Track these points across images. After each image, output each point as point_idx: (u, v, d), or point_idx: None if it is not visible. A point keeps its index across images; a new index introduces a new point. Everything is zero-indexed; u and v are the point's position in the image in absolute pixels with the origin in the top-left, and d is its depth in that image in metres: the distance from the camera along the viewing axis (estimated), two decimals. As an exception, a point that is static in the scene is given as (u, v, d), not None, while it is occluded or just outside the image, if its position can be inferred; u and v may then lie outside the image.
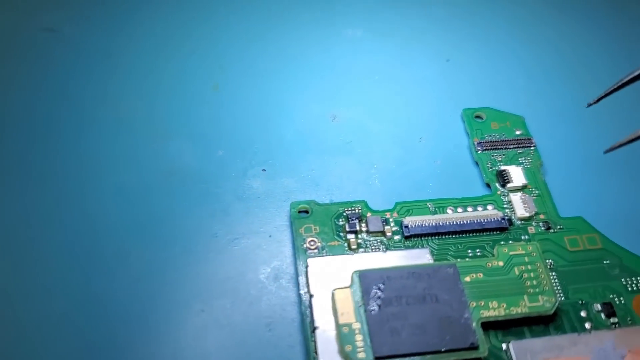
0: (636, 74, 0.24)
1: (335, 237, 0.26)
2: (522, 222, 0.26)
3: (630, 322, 0.24)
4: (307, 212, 0.26)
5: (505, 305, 0.23)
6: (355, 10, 0.36)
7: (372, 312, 0.22)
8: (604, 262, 0.25)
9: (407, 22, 0.35)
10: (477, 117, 0.30)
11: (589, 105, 0.25)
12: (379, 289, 0.23)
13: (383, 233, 0.26)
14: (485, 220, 0.26)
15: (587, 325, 0.23)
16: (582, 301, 0.24)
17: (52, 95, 0.31)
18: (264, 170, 0.29)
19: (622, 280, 0.25)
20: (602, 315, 0.24)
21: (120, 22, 0.34)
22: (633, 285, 0.25)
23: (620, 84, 0.24)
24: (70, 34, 0.34)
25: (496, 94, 0.32)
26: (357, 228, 0.26)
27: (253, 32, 0.34)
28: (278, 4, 0.36)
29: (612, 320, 0.24)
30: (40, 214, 0.27)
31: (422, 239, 0.26)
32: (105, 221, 0.27)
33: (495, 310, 0.23)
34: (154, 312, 0.24)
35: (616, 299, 0.24)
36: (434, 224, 0.26)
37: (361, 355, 0.21)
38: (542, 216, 0.26)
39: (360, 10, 0.36)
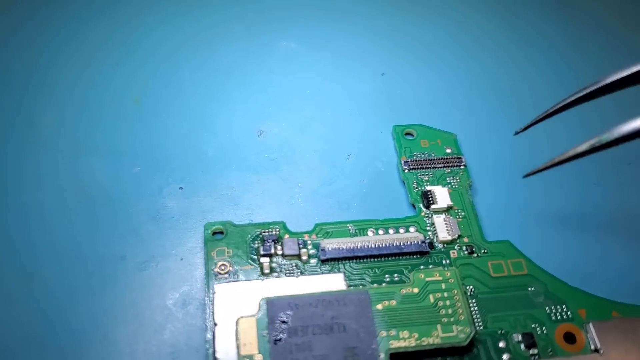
0: (563, 104, 0.23)
1: (249, 261, 0.25)
2: (444, 245, 0.25)
3: (550, 353, 0.23)
4: (222, 233, 0.25)
5: (416, 335, 0.22)
6: (290, 21, 0.35)
7: (276, 342, 0.22)
8: (529, 289, 0.24)
9: (343, 35, 0.34)
10: (408, 134, 0.29)
11: (517, 133, 0.25)
12: (286, 317, 0.22)
13: (299, 256, 0.25)
14: (405, 244, 0.25)
15: (505, 357, 0.22)
16: (501, 331, 0.23)
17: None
18: (181, 188, 0.28)
19: (547, 308, 0.24)
20: (522, 346, 0.23)
21: (41, 32, 0.33)
22: (557, 314, 0.24)
23: (547, 113, 0.24)
24: None
25: (432, 110, 0.31)
26: (272, 251, 0.25)
27: (180, 44, 0.33)
28: (209, 15, 0.35)
29: (531, 351, 0.23)
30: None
31: (339, 262, 0.25)
32: (8, 241, 0.25)
33: (405, 340, 0.22)
34: (56, 339, 0.23)
35: (538, 329, 0.23)
36: (351, 247, 0.25)
37: (258, 390, 0.20)
38: (465, 239, 0.25)
39: (296, 22, 0.35)
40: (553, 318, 0.24)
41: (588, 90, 0.23)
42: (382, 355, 0.21)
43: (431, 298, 0.23)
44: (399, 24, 0.35)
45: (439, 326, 0.22)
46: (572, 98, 0.23)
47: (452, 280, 0.23)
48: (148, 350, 0.23)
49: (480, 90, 0.32)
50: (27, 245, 0.25)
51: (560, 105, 0.24)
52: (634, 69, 0.22)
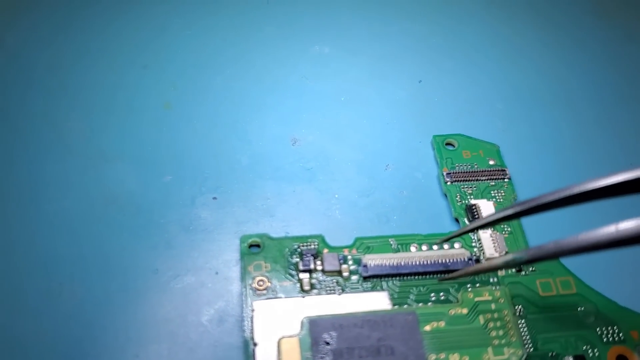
0: (495, 218, 0.21)
1: (287, 276, 0.24)
2: (491, 263, 0.25)
3: (604, 376, 0.22)
4: (258, 246, 0.25)
5: (467, 359, 0.21)
6: (324, 25, 0.34)
7: (321, 365, 0.21)
8: (579, 309, 0.24)
9: (378, 40, 0.33)
10: (448, 144, 0.29)
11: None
12: (330, 338, 0.22)
13: (339, 273, 0.24)
14: (451, 261, 0.24)
15: (557, 380, 0.22)
16: (552, 353, 0.23)
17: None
18: (214, 198, 0.27)
19: (597, 329, 0.23)
20: (574, 369, 0.22)
21: (68, 35, 0.32)
22: (609, 335, 0.23)
23: (480, 224, 0.22)
24: (13, 44, 0.32)
25: (471, 119, 0.30)
26: (312, 266, 0.24)
27: (211, 47, 0.32)
28: (240, 18, 0.34)
29: (584, 374, 0.22)
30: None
31: (382, 280, 0.24)
32: (38, 252, 0.25)
33: (456, 364, 0.21)
34: (84, 356, 0.22)
35: (590, 351, 0.23)
36: (395, 263, 0.24)
37: (305, 416, 0.20)
38: (513, 256, 0.25)
39: (330, 26, 0.34)
40: (605, 340, 0.23)
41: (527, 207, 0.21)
42: (433, 379, 0.21)
43: (481, 319, 0.22)
44: (435, 29, 0.34)
45: (489, 349, 0.22)
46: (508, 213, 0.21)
47: (502, 300, 0.23)
48: (182, 369, 0.22)
49: (520, 99, 0.31)
50: (54, 257, 0.25)
51: (494, 218, 0.21)
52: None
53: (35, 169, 0.27)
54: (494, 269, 0.22)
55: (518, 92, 0.32)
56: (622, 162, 0.28)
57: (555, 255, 0.19)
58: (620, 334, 0.23)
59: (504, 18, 0.35)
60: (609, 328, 0.23)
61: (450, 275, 0.24)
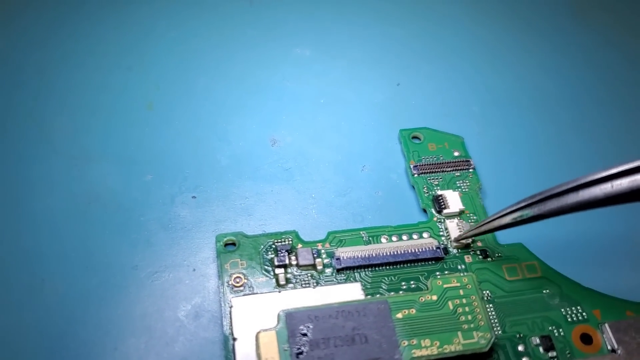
0: (498, 225, 0.21)
1: (263, 272, 0.22)
2: (459, 250, 0.23)
3: (569, 355, 0.21)
4: (234, 244, 0.23)
5: (438, 344, 0.20)
6: (305, 29, 0.32)
7: (298, 356, 0.20)
8: (544, 291, 0.22)
9: (358, 43, 0.31)
10: (415, 137, 0.27)
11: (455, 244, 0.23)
12: (307, 330, 0.20)
13: (314, 266, 0.23)
14: (420, 250, 0.23)
15: (525, 361, 0.21)
16: (519, 334, 0.21)
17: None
18: (194, 197, 0.25)
19: (562, 310, 0.22)
20: (541, 349, 0.21)
21: (55, 38, 0.30)
22: (573, 315, 0.22)
23: (485, 230, 0.22)
24: (1, 46, 0.30)
25: (447, 121, 0.28)
26: (287, 262, 0.23)
27: (194, 50, 0.30)
28: (223, 21, 0.32)
29: (550, 354, 0.21)
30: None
31: (355, 271, 0.22)
32: (21, 248, 0.23)
33: (427, 349, 0.20)
34: (65, 349, 0.21)
35: (555, 331, 0.21)
36: (366, 255, 0.23)
37: (281, 407, 0.18)
38: (479, 243, 0.24)
39: (311, 29, 0.32)
40: (569, 320, 0.22)
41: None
42: (405, 365, 0.20)
43: (450, 305, 0.21)
44: (414, 33, 0.32)
45: (459, 333, 0.20)
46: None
47: (470, 286, 0.21)
48: (160, 363, 0.21)
49: (496, 101, 0.30)
50: (37, 252, 0.23)
51: (498, 225, 0.21)
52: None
53: (20, 167, 0.25)
54: (502, 228, 0.21)
55: (495, 95, 0.30)
56: (595, 162, 0.27)
57: (558, 212, 0.19)
58: (584, 314, 0.22)
59: (483, 22, 0.33)
60: (573, 308, 0.22)
61: (464, 234, 0.23)
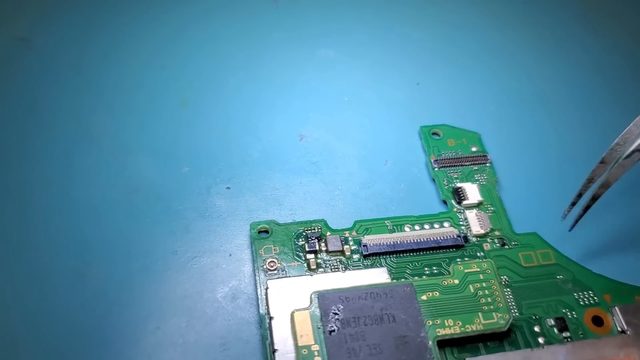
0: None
1: (295, 257, 0.24)
2: (478, 239, 0.25)
3: (582, 335, 0.22)
4: (267, 232, 0.25)
5: (460, 323, 0.21)
6: (329, 31, 0.33)
7: (332, 333, 0.21)
8: (557, 277, 0.24)
9: (380, 45, 0.33)
10: (434, 133, 0.29)
11: (564, 216, 0.25)
12: (338, 309, 0.21)
13: (342, 252, 0.24)
14: (442, 238, 0.24)
15: (541, 340, 0.22)
16: (535, 316, 0.23)
17: (19, 105, 0.28)
18: (228, 188, 0.27)
19: (575, 294, 0.23)
20: (555, 330, 0.22)
21: (92, 36, 0.32)
22: (585, 299, 0.23)
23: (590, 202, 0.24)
24: (42, 44, 0.31)
25: (464, 119, 0.29)
26: (317, 248, 0.24)
27: (224, 51, 0.32)
28: (251, 23, 0.33)
29: (564, 334, 0.22)
30: (1, 226, 0.24)
31: (381, 257, 0.24)
32: (67, 235, 0.24)
33: (450, 328, 0.21)
34: (109, 329, 0.22)
35: (568, 314, 0.23)
36: (391, 242, 0.24)
37: (318, 378, 0.20)
38: (497, 232, 0.25)
39: (335, 31, 0.33)
40: (581, 303, 0.23)
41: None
42: (430, 342, 0.21)
43: (471, 288, 0.22)
44: (433, 36, 0.34)
45: (480, 314, 0.21)
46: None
47: (489, 271, 0.23)
48: (199, 341, 0.22)
49: (510, 101, 0.31)
50: (81, 240, 0.24)
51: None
52: None
53: (63, 161, 0.27)
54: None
55: (509, 95, 0.31)
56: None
57: None
58: (595, 298, 0.23)
59: (498, 26, 0.35)
60: (585, 293, 0.23)
61: (579, 215, 0.24)
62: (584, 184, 0.24)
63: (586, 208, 0.24)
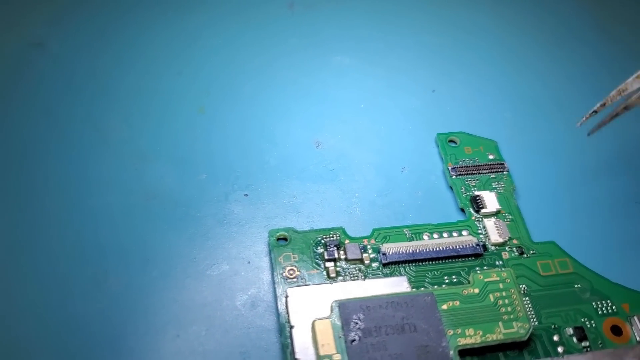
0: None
1: (314, 265, 0.24)
2: (496, 247, 0.25)
3: (601, 345, 0.22)
4: (285, 239, 0.25)
5: (481, 333, 0.21)
6: (344, 37, 0.33)
7: (353, 343, 0.21)
8: (576, 286, 0.24)
9: (395, 52, 0.33)
10: (451, 141, 0.29)
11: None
12: (359, 319, 0.21)
13: (361, 261, 0.24)
14: (461, 247, 0.24)
15: (560, 350, 0.22)
16: (554, 325, 0.23)
17: (36, 111, 0.28)
18: (246, 195, 0.27)
19: (593, 303, 0.23)
20: (574, 339, 0.22)
21: (107, 41, 0.32)
22: (603, 308, 0.23)
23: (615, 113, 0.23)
24: (57, 50, 0.31)
25: (480, 126, 0.29)
26: (336, 256, 0.24)
27: (241, 57, 0.32)
28: (267, 29, 0.33)
29: (583, 344, 0.22)
30: (19, 233, 0.24)
31: (400, 266, 0.24)
32: (85, 242, 0.24)
33: (471, 337, 0.21)
34: (129, 336, 0.22)
35: (587, 323, 0.23)
36: (410, 251, 0.24)
37: (341, 388, 0.20)
38: (515, 241, 0.25)
39: (350, 38, 0.33)
40: (600, 312, 0.23)
41: None
42: (452, 352, 0.21)
43: (491, 297, 0.22)
44: (448, 42, 0.34)
45: (500, 323, 0.21)
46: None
47: (509, 280, 0.23)
48: (219, 349, 0.22)
49: (525, 108, 0.31)
50: (99, 246, 0.24)
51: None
52: None
53: (80, 167, 0.27)
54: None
55: (525, 102, 0.31)
56: (616, 166, 0.29)
57: None
58: (613, 307, 0.23)
59: (513, 33, 0.35)
60: (603, 302, 0.23)
61: (601, 122, 0.24)
62: (613, 94, 0.23)
63: (614, 115, 0.23)
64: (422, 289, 0.23)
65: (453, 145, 0.28)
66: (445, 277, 0.24)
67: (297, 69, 0.32)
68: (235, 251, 0.25)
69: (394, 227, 0.25)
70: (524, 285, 0.24)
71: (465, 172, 0.27)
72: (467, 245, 0.24)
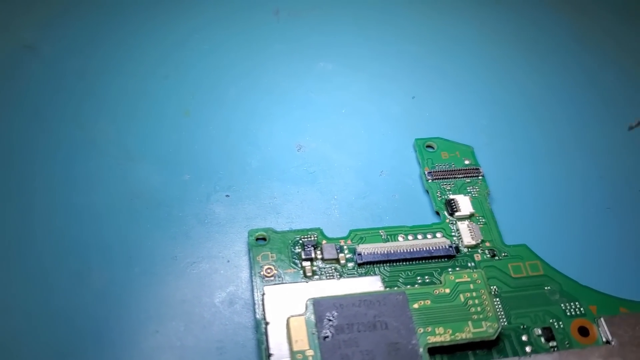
0: None
1: (291, 264, 0.24)
2: (469, 249, 0.25)
3: (568, 345, 0.23)
4: (264, 239, 0.25)
5: (450, 331, 0.22)
6: (328, 44, 0.34)
7: (326, 339, 0.21)
8: (545, 288, 0.24)
9: (378, 59, 0.34)
10: (429, 146, 0.29)
11: (630, 128, 0.25)
12: (332, 316, 0.22)
13: (337, 261, 0.25)
14: (434, 248, 0.25)
15: (528, 349, 0.23)
16: (523, 326, 0.23)
17: (24, 111, 0.29)
18: (227, 196, 0.27)
19: (562, 305, 0.24)
20: (542, 339, 0.23)
21: (97, 45, 0.32)
22: (572, 310, 0.24)
23: None
24: (48, 52, 0.32)
25: (457, 133, 0.30)
26: (313, 256, 0.24)
27: (226, 62, 0.33)
28: (252, 34, 0.34)
29: (551, 344, 0.23)
30: (4, 230, 0.25)
31: (374, 266, 0.24)
32: (69, 239, 0.25)
33: (441, 336, 0.22)
34: (109, 331, 0.23)
35: (555, 324, 0.23)
36: (385, 251, 0.25)
37: (311, 383, 0.20)
38: (487, 244, 0.26)
39: (333, 45, 0.34)
40: (568, 314, 0.24)
41: None
42: (422, 349, 0.21)
43: (461, 297, 0.23)
44: (430, 51, 0.35)
45: (470, 322, 0.22)
46: None
47: (479, 281, 0.23)
48: (197, 345, 0.23)
49: (504, 116, 0.32)
50: (84, 244, 0.25)
51: None
52: None
53: (66, 167, 0.27)
54: None
55: (502, 109, 0.32)
56: (593, 173, 0.30)
57: None
58: (581, 309, 0.24)
59: (493, 42, 0.36)
60: (572, 304, 0.24)
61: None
62: None
63: None
64: (395, 288, 0.24)
65: (430, 150, 0.29)
66: (418, 278, 0.24)
67: (281, 74, 0.32)
68: (215, 250, 0.25)
69: (370, 229, 0.26)
70: (495, 287, 0.24)
71: (441, 177, 0.28)
72: (440, 247, 0.25)
